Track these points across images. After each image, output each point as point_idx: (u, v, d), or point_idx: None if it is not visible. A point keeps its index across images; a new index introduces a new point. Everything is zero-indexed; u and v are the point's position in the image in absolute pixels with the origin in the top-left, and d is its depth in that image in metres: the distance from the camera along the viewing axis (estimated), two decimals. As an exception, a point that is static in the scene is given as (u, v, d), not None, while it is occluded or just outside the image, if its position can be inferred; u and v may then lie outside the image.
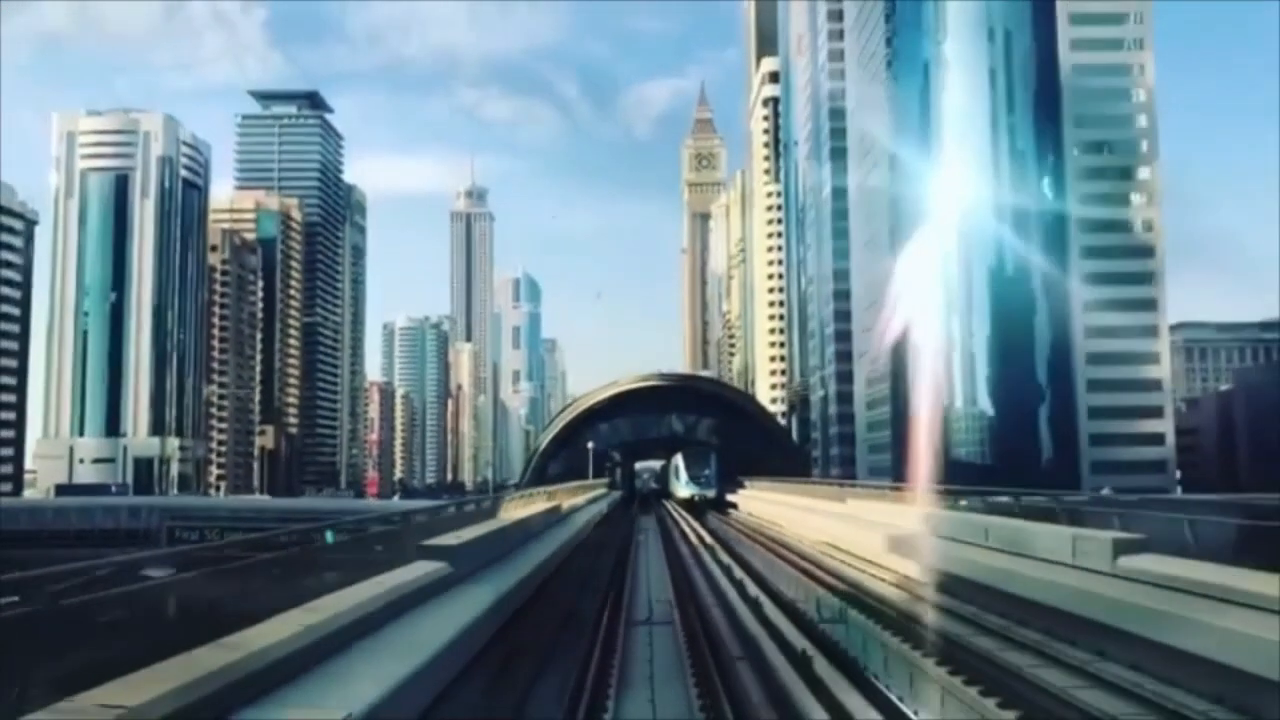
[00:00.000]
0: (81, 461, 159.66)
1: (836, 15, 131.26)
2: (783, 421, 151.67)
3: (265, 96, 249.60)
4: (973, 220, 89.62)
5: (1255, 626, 10.98)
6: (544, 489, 37.31)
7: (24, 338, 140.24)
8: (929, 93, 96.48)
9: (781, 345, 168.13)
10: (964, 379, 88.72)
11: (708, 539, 42.60)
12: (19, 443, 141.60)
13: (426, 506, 27.42)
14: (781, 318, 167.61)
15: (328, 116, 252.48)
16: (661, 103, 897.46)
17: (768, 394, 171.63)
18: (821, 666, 14.67)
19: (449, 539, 15.64)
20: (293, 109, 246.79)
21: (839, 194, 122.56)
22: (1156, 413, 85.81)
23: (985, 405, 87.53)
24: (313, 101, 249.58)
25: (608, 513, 49.42)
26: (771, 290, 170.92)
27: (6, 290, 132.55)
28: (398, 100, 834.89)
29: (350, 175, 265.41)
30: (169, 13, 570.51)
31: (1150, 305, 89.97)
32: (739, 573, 28.63)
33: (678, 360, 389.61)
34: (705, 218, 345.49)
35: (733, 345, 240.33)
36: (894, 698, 13.93)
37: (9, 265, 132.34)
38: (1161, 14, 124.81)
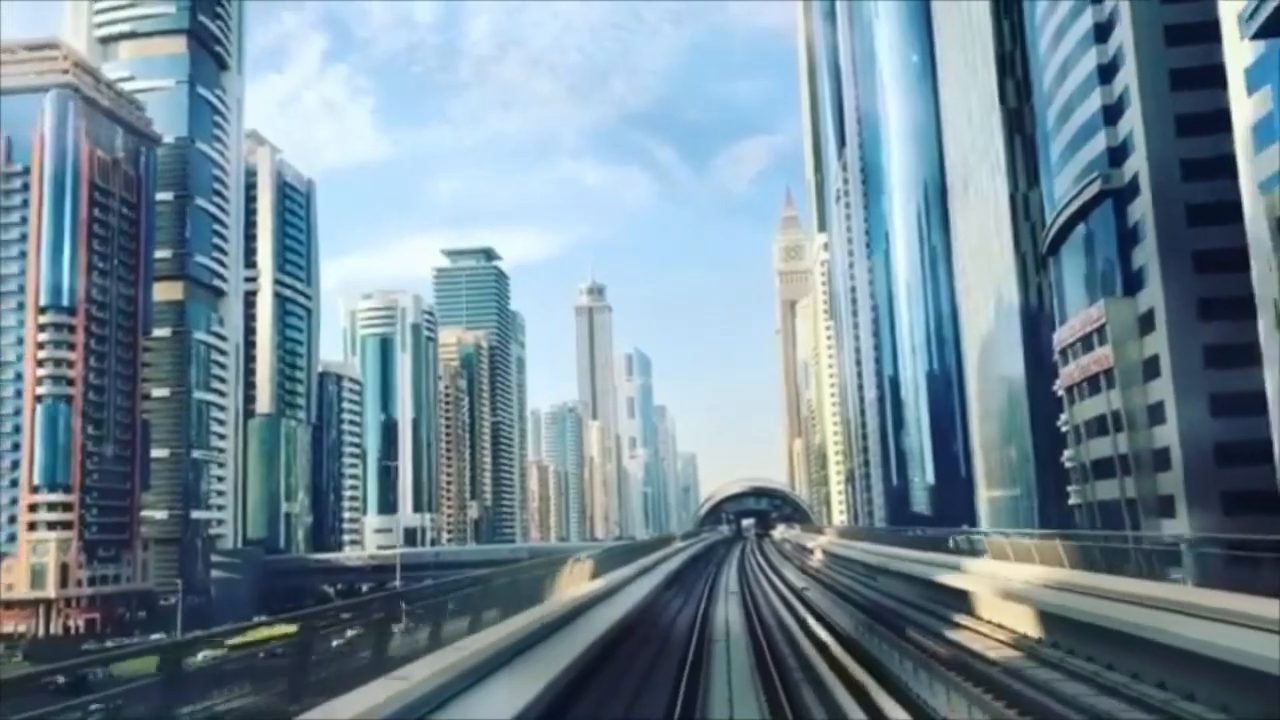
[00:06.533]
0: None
1: (845, 202, 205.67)
2: (841, 488, 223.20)
3: (453, 253, 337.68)
4: (919, 365, 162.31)
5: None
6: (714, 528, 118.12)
7: (365, 457, 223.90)
8: (889, 264, 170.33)
9: (842, 436, 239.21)
10: (917, 465, 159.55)
11: (756, 540, 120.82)
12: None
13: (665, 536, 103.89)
14: (839, 415, 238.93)
15: (498, 264, 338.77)
16: (758, 160, 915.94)
17: (835, 469, 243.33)
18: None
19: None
20: (473, 261, 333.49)
21: (858, 345, 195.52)
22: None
23: (930, 479, 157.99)
24: (488, 255, 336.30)
25: (731, 535, 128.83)
26: (832, 396, 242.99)
27: (356, 421, 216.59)
28: (499, 175, 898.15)
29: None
30: (284, 104, 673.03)
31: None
32: (763, 541, 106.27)
33: (776, 424, 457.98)
34: (794, 305, 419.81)
35: (815, 425, 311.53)
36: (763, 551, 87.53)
37: (356, 413, 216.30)
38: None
